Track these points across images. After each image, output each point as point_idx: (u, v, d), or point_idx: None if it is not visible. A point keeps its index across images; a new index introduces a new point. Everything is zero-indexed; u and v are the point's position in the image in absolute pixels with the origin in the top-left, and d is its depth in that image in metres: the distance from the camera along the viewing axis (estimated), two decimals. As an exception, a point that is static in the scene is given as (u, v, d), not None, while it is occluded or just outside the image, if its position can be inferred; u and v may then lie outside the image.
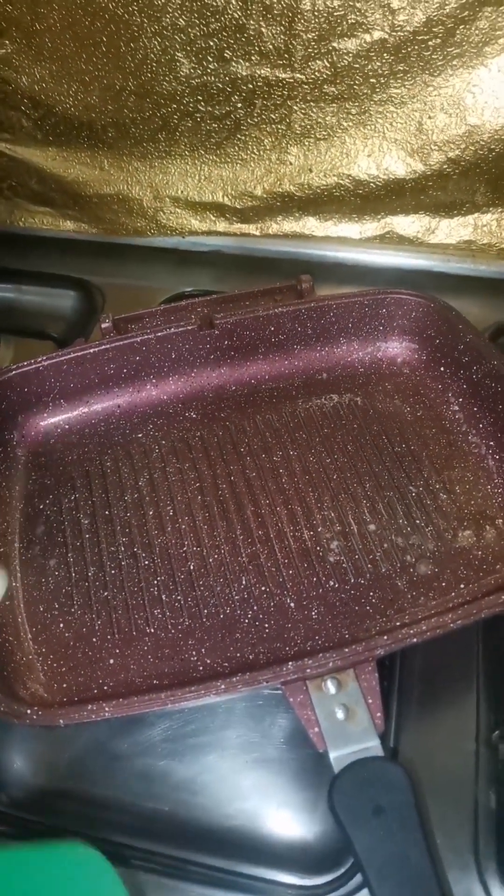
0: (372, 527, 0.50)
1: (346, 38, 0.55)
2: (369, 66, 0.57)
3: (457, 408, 0.55)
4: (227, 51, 0.58)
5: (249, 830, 0.44)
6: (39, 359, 0.55)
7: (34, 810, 0.45)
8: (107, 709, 0.37)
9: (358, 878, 0.40)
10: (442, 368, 0.57)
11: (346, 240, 0.68)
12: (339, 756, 0.37)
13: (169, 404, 0.59)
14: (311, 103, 0.60)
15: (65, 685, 0.44)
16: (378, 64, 0.57)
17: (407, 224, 0.66)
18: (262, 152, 0.65)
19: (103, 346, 0.56)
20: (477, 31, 0.53)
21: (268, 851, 0.43)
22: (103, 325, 0.57)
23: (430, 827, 0.41)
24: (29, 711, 0.38)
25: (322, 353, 0.60)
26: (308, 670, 0.38)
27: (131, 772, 0.46)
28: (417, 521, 0.50)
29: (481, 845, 0.41)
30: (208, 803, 0.45)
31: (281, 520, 0.51)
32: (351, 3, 0.53)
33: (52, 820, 0.45)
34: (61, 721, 0.38)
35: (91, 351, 0.56)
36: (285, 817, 0.44)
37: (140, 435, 0.57)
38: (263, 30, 0.56)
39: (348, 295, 0.58)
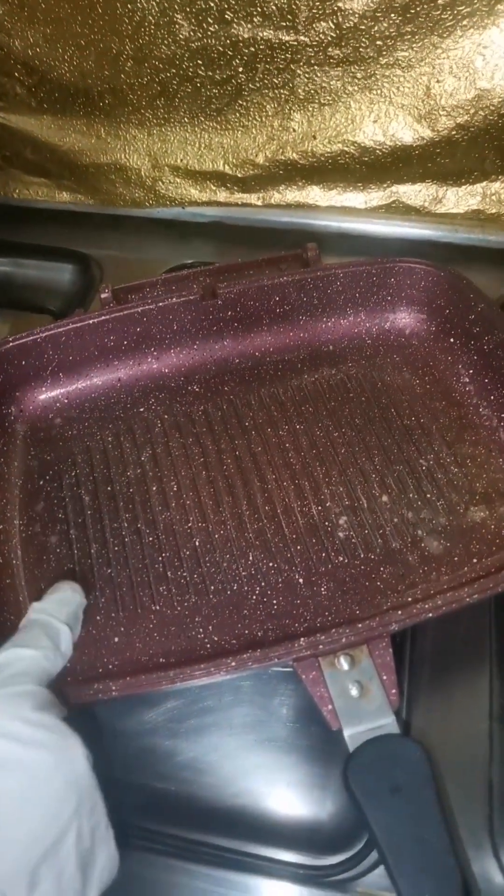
0: (382, 501, 0.49)
1: (352, -2, 0.54)
2: (376, 28, 0.55)
3: (467, 380, 0.54)
4: (227, 12, 0.56)
5: (258, 810, 0.43)
6: (37, 331, 0.54)
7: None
8: (114, 688, 0.37)
9: (371, 858, 0.40)
10: (452, 339, 0.55)
11: (351, 209, 0.67)
12: (353, 734, 0.36)
13: (171, 377, 0.57)
14: (316, 67, 0.59)
15: (69, 664, 0.43)
16: (385, 25, 0.55)
17: (414, 193, 0.64)
18: (264, 119, 0.63)
19: (103, 317, 0.54)
20: (489, -12, 0.51)
21: (278, 831, 0.42)
22: (102, 296, 0.55)
23: (447, 804, 0.40)
24: (33, 690, 0.37)
25: (328, 325, 0.59)
26: (321, 646, 0.37)
27: (137, 751, 0.45)
28: (428, 496, 0.49)
29: (496, 822, 0.41)
30: (216, 782, 0.44)
31: (288, 495, 0.50)
32: (358, -41, 0.51)
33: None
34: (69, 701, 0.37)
35: (90, 322, 0.54)
36: (295, 796, 0.43)
37: (142, 409, 0.56)
38: (266, -11, 0.54)
39: (356, 263, 0.56)
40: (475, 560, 0.45)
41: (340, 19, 0.55)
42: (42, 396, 0.56)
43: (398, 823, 0.34)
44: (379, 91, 0.59)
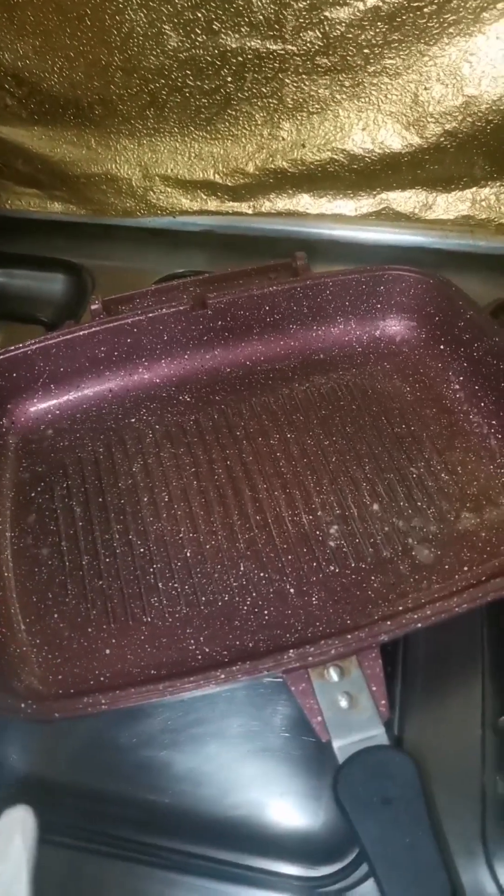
0: (372, 509, 0.49)
1: (338, 7, 0.54)
2: (363, 36, 0.55)
3: (457, 387, 0.54)
4: (215, 22, 0.56)
5: (252, 821, 0.43)
6: (28, 343, 0.54)
7: (32, 806, 0.44)
8: (103, 701, 0.36)
9: (363, 869, 0.40)
10: (442, 346, 0.55)
11: (341, 217, 0.67)
12: (343, 745, 0.36)
13: (162, 388, 0.57)
14: (304, 76, 0.59)
15: (60, 677, 0.43)
16: (372, 33, 0.55)
17: (403, 199, 0.64)
18: (253, 128, 0.63)
19: (93, 329, 0.54)
20: (474, -4, 0.51)
21: (271, 842, 0.42)
22: (93, 307, 0.55)
23: (437, 815, 0.40)
24: (23, 705, 0.37)
25: (319, 333, 0.59)
26: (310, 658, 0.37)
27: (131, 763, 0.45)
28: (419, 503, 0.49)
29: (489, 831, 0.41)
30: (210, 794, 0.44)
31: (279, 504, 0.49)
32: (343, -31, 0.51)
33: (50, 815, 0.43)
34: (56, 715, 0.37)
35: (81, 333, 0.54)
36: (288, 807, 0.43)
37: (133, 420, 0.56)
38: (253, -1, 0.54)
39: (345, 272, 0.56)
40: (466, 568, 0.45)
41: (327, 28, 0.55)
42: (33, 408, 0.56)
43: (388, 835, 0.34)
44: (367, 99, 0.59)
